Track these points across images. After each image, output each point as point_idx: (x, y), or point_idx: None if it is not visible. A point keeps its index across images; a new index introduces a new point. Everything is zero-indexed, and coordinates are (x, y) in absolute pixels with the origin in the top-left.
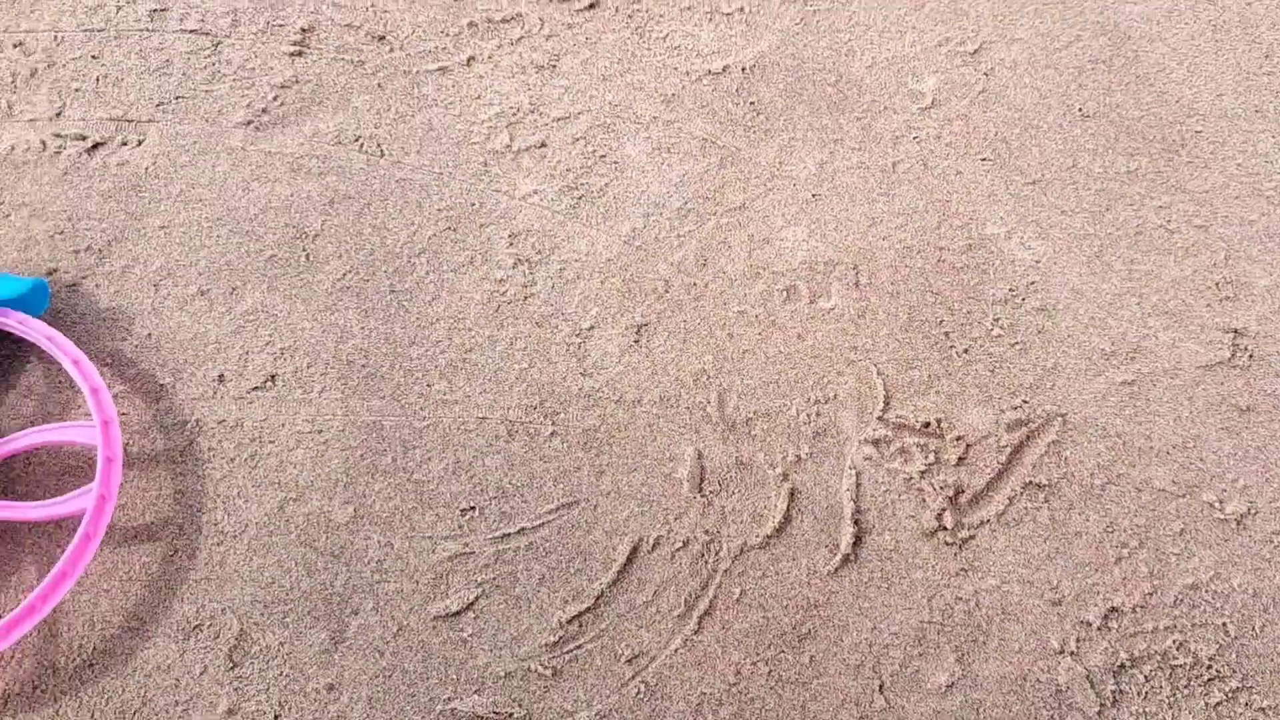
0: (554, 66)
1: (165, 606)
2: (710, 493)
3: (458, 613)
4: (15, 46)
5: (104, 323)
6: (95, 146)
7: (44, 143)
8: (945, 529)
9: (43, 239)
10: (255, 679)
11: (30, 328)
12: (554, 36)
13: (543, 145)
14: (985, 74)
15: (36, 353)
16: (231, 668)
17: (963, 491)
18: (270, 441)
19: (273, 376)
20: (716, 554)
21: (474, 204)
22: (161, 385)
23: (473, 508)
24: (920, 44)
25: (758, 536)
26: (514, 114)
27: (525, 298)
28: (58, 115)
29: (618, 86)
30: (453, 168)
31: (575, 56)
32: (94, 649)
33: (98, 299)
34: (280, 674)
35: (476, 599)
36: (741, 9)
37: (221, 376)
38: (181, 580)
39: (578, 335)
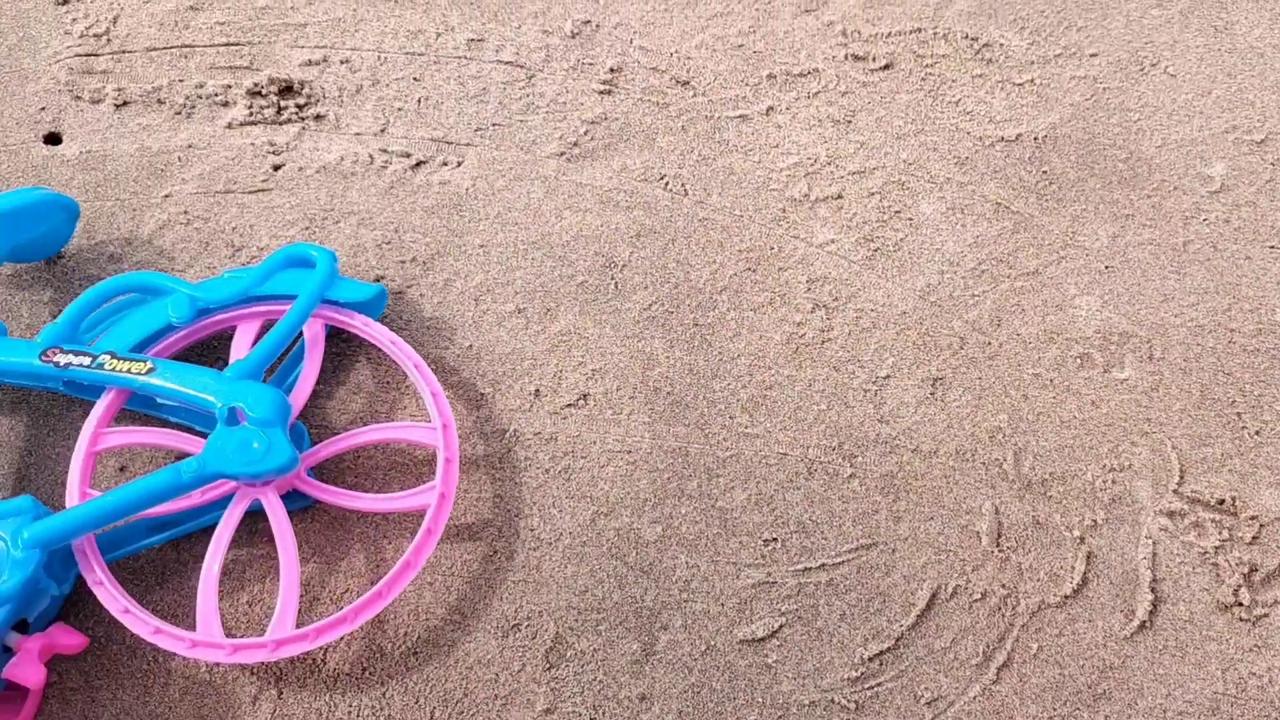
0: (849, 122)
1: (485, 604)
2: (1007, 548)
3: (762, 639)
4: (342, 63)
5: (428, 331)
6: (418, 165)
7: (371, 156)
8: (1240, 604)
9: (370, 247)
10: (571, 681)
11: (374, 331)
12: (849, 93)
13: (839, 197)
14: (1272, 164)
15: (365, 353)
16: (548, 668)
17: (1256, 570)
18: (582, 457)
19: (585, 395)
20: (1014, 608)
21: (773, 248)
22: (482, 394)
23: (775, 539)
24: (1208, 129)
25: (1055, 595)
26: (811, 164)
27: (823, 341)
28: (382, 131)
29: (911, 145)
30: (753, 211)
31: (870, 114)
32: (418, 638)
33: (422, 308)
34: (594, 679)
35: (780, 627)
36: (1033, 80)
37: (537, 391)
38: (500, 580)
39: (874, 382)
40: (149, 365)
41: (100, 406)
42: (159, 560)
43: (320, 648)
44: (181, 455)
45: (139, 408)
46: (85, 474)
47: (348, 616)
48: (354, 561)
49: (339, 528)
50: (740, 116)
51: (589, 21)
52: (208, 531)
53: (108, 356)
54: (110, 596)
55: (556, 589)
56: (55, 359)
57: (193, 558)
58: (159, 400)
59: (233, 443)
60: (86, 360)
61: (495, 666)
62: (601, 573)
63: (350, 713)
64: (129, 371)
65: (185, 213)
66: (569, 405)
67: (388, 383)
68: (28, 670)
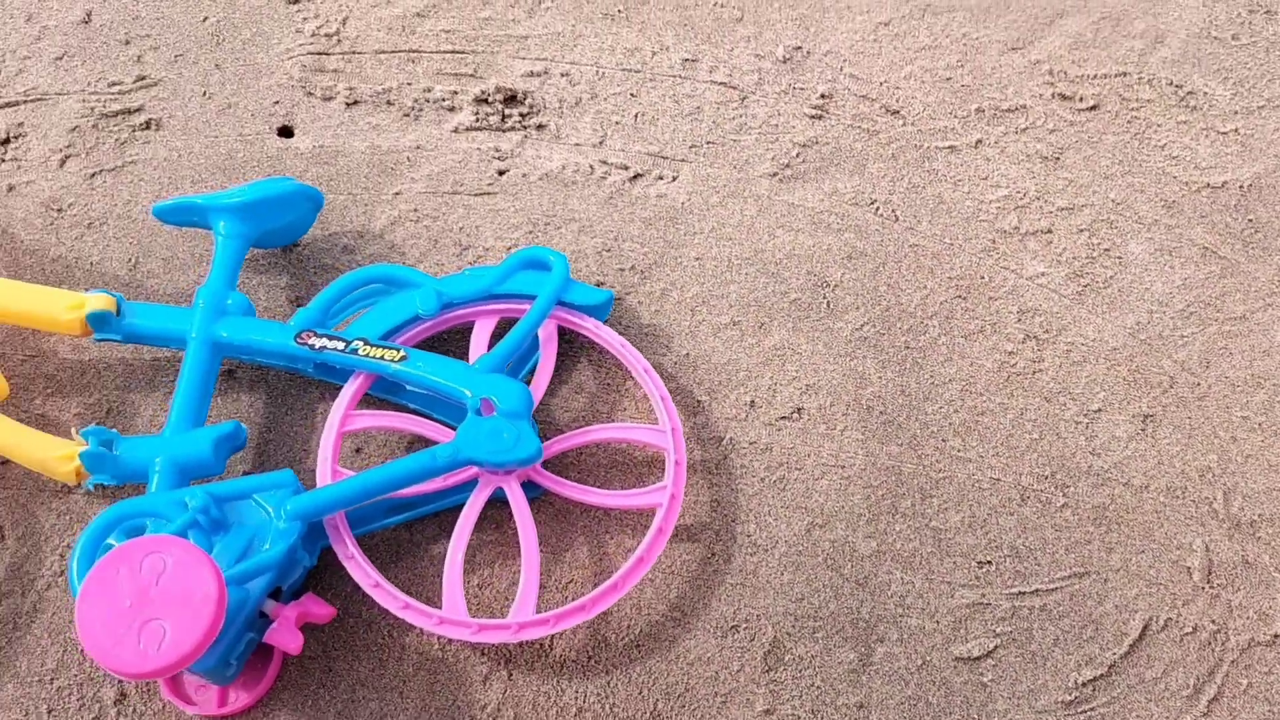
0: (1057, 159)
1: (704, 604)
2: (1218, 585)
3: (978, 658)
4: (562, 76)
5: (646, 337)
6: (635, 177)
7: (591, 167)
8: None
9: (590, 253)
10: (789, 685)
11: (603, 334)
12: (1057, 131)
13: (1049, 231)
14: None
15: (586, 355)
16: (766, 670)
17: None
18: (797, 469)
19: (799, 409)
20: (1224, 644)
21: (983, 277)
22: (699, 401)
23: (989, 562)
24: None
25: (1265, 634)
26: (1020, 198)
27: (1034, 372)
28: (600, 143)
29: (1119, 186)
30: (963, 240)
31: (1078, 152)
32: (640, 631)
33: (640, 315)
34: (812, 684)
35: (995, 648)
36: (1237, 130)
37: (753, 402)
38: (719, 582)
39: (1085, 415)
40: (401, 353)
41: (349, 389)
42: (391, 540)
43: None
44: (419, 440)
45: (378, 392)
46: (335, 452)
47: (585, 605)
48: (578, 553)
49: (563, 520)
50: (949, 147)
51: (800, 48)
52: (440, 515)
53: (360, 343)
54: (361, 571)
55: (773, 594)
56: (310, 342)
57: (424, 539)
58: (408, 387)
59: (484, 432)
60: (340, 345)
61: (715, 665)
62: (817, 582)
63: (577, 698)
64: (381, 358)
65: (415, 210)
66: (783, 418)
67: (608, 384)
68: (287, 637)
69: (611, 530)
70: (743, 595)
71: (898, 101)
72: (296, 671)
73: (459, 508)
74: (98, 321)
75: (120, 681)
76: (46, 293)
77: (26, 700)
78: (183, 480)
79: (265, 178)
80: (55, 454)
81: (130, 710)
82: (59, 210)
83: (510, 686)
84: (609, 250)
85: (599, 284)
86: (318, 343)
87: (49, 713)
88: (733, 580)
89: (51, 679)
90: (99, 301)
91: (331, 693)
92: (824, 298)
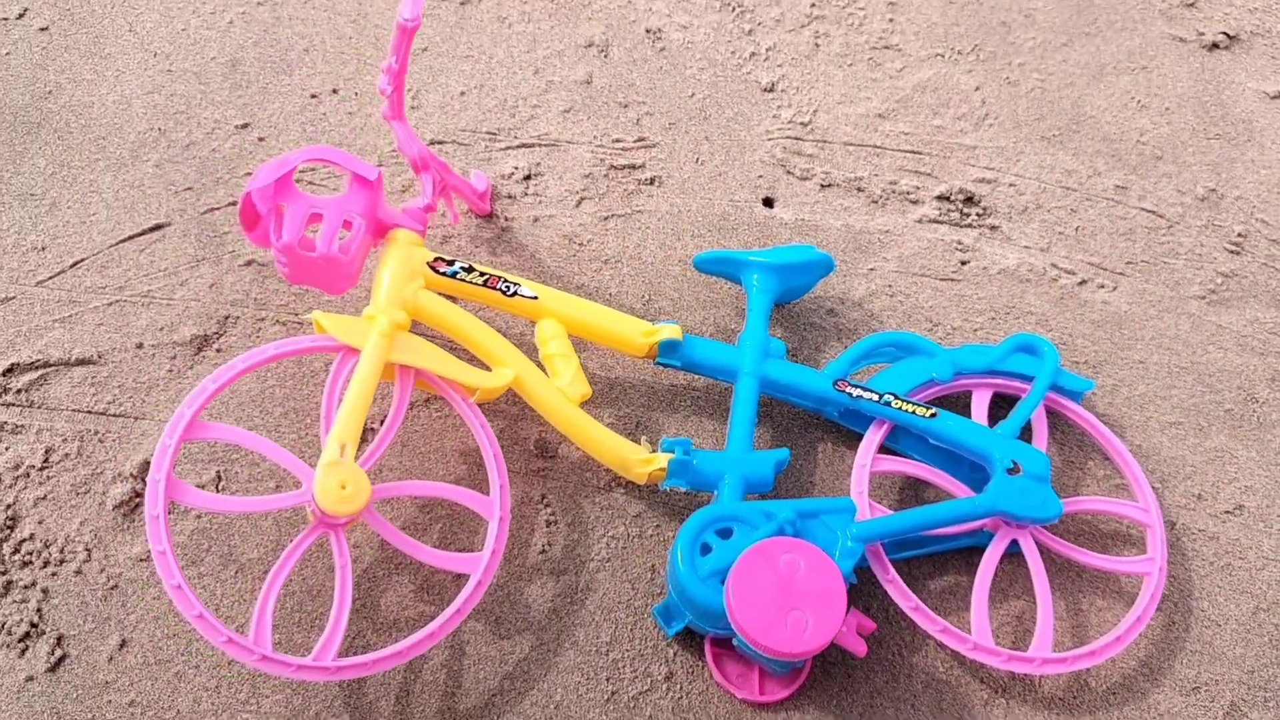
0: None
1: (1170, 665)
2: None
3: None
4: (1009, 185)
5: (1117, 418)
6: (1082, 282)
7: (1044, 269)
8: None
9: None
10: None
11: (1085, 416)
12: None
13: None
14: None
15: (1053, 434)
16: None
17: None
18: (1240, 558)
19: (1240, 507)
20: None
21: None
22: (1155, 489)
23: None
24: None
25: None
26: None
27: None
28: (1047, 249)
29: None
30: None
31: None
32: (1114, 682)
33: (1095, 405)
34: None
35: None
36: None
37: (1199, 495)
38: (1179, 646)
39: None
40: (933, 411)
41: (875, 434)
42: (902, 571)
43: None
44: (922, 487)
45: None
46: (867, 487)
47: (1074, 658)
48: (1076, 603)
49: (1055, 574)
50: None
51: (1214, 190)
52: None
53: (891, 396)
54: (901, 593)
55: (1229, 664)
56: (848, 390)
57: (932, 572)
58: (931, 441)
59: (1015, 489)
60: (875, 396)
61: (1179, 718)
62: (1266, 658)
63: None
64: (913, 412)
65: (889, 286)
66: (1226, 512)
67: (1071, 460)
68: (854, 641)
69: (1085, 591)
70: (1201, 661)
71: None
72: (821, 676)
73: (955, 551)
74: (666, 349)
75: (669, 659)
76: (625, 318)
77: (586, 667)
78: (745, 493)
79: (784, 244)
80: (636, 456)
81: (677, 687)
82: (579, 245)
83: (1007, 713)
84: (1063, 344)
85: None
86: (855, 392)
87: (606, 680)
88: (1191, 647)
89: (607, 650)
90: (670, 331)
91: (853, 697)
92: (1254, 412)
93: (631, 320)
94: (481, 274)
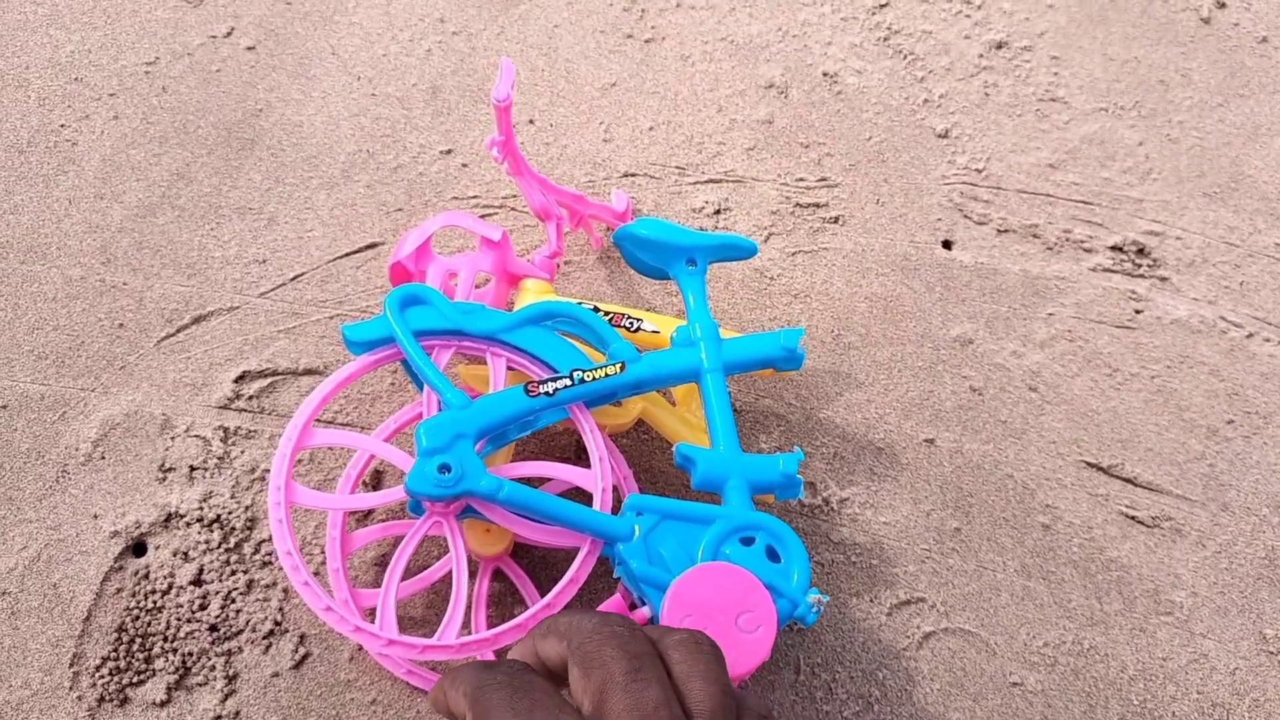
0: None
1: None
2: None
3: None
4: (1176, 239)
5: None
6: (1249, 336)
7: (1214, 321)
8: None
9: (1222, 396)
10: None
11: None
12: None
13: None
14: None
15: None
16: None
17: None
18: None
19: None
20: None
21: None
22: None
23: None
24: None
25: None
26: None
27: None
28: (1214, 301)
29: None
30: None
31: None
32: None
33: (1262, 456)
34: None
35: None
36: None
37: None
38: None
39: None
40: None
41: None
42: None
43: None
44: None
45: None
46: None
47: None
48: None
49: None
50: None
51: None
52: None
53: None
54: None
55: None
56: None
57: None
58: None
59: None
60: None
61: None
62: None
63: None
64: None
65: (1069, 331)
66: None
67: None
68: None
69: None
70: None
71: None
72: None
73: None
74: None
75: None
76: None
77: None
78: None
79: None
80: None
81: None
82: (770, 279)
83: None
84: (1235, 394)
85: (1228, 423)
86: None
87: None
88: None
89: None
90: None
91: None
92: None
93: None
94: (606, 313)
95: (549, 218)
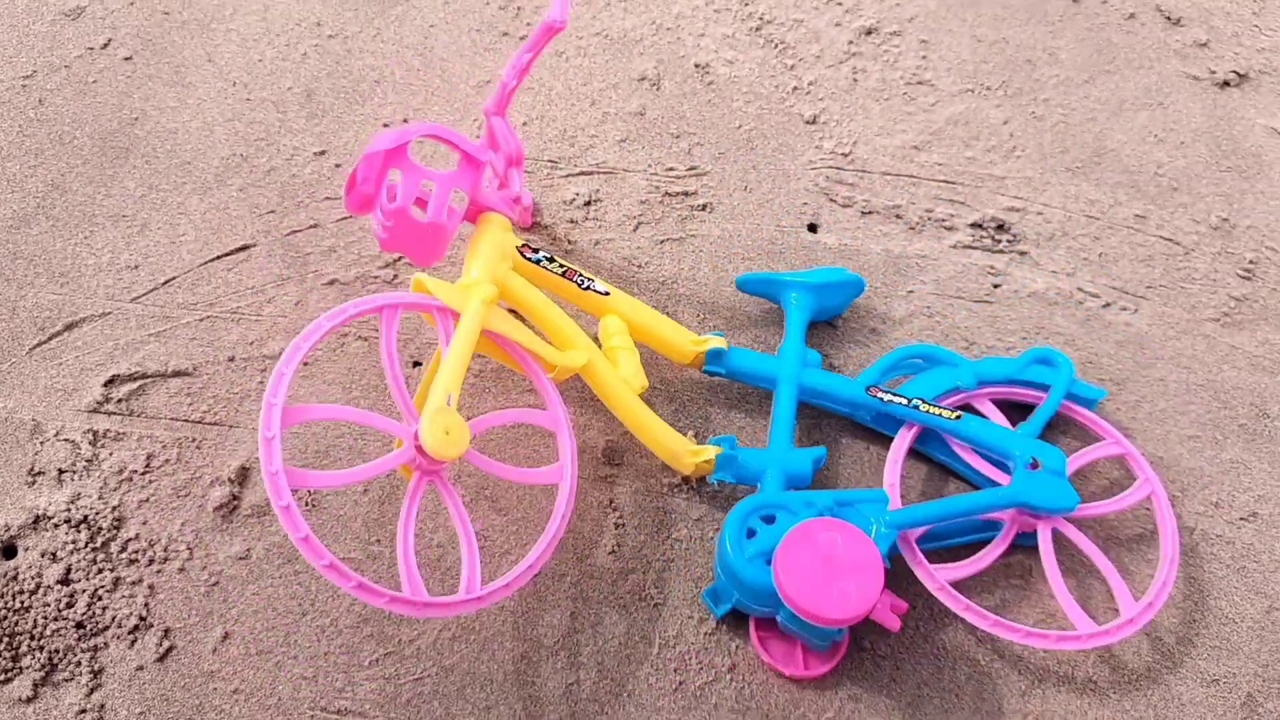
0: None
1: (1186, 657)
2: None
3: None
4: (1037, 214)
5: (1139, 432)
6: (1106, 305)
7: (1070, 292)
8: None
9: (1075, 362)
10: None
11: (1099, 422)
12: None
13: None
14: None
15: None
16: (1244, 718)
17: None
18: (1254, 560)
19: (1254, 514)
20: None
21: None
22: (1173, 497)
23: None
24: None
25: None
26: None
27: None
28: (1073, 273)
29: None
30: None
31: None
32: (1137, 673)
33: (1119, 419)
34: None
35: None
36: None
37: (1216, 503)
38: (1195, 643)
39: None
40: (957, 414)
41: (905, 435)
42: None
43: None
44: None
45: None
46: (898, 479)
47: (1110, 631)
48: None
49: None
50: None
51: (1226, 219)
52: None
53: (920, 400)
54: (928, 575)
55: (1244, 659)
56: (879, 395)
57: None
58: (953, 443)
59: (1036, 483)
60: (904, 400)
61: (1201, 708)
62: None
63: (1090, 717)
64: (940, 415)
65: (927, 308)
66: (1241, 519)
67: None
68: (888, 617)
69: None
70: (1219, 656)
71: None
72: (871, 665)
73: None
74: (713, 357)
75: (731, 652)
76: (679, 328)
77: (655, 659)
78: (785, 486)
79: (820, 266)
80: (686, 449)
81: (740, 677)
82: (638, 266)
83: (1044, 701)
84: (1090, 363)
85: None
86: (886, 396)
87: (674, 670)
88: (1209, 643)
89: (674, 644)
90: (718, 342)
91: (901, 686)
92: (1266, 426)
93: (683, 330)
94: (561, 265)
95: (518, 164)
